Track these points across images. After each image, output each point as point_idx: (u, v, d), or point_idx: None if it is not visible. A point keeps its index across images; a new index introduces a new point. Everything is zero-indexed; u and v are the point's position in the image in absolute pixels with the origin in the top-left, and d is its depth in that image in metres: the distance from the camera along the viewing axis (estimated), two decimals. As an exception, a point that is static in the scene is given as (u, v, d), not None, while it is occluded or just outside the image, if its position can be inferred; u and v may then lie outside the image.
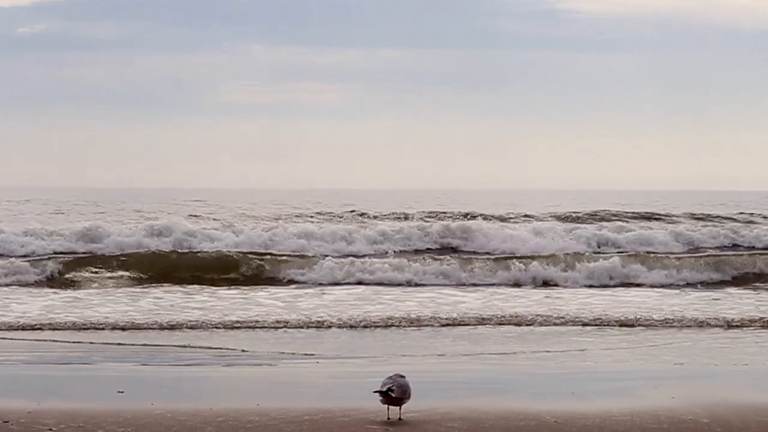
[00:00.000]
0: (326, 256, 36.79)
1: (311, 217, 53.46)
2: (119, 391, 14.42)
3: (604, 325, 23.70)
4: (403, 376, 12.45)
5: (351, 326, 23.13)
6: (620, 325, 23.65)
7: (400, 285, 33.01)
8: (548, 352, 19.50)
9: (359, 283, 33.38)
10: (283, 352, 19.16)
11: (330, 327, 23.13)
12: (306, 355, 18.84)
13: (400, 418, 12.46)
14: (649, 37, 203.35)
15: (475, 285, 33.30)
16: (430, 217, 52.34)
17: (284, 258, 36.58)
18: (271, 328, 22.92)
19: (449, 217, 51.08)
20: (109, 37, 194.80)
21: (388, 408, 12.45)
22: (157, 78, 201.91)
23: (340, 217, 53.54)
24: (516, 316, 24.76)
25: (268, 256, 36.92)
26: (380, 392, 12.29)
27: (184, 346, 19.90)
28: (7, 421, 12.22)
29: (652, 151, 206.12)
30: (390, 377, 12.42)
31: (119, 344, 20.24)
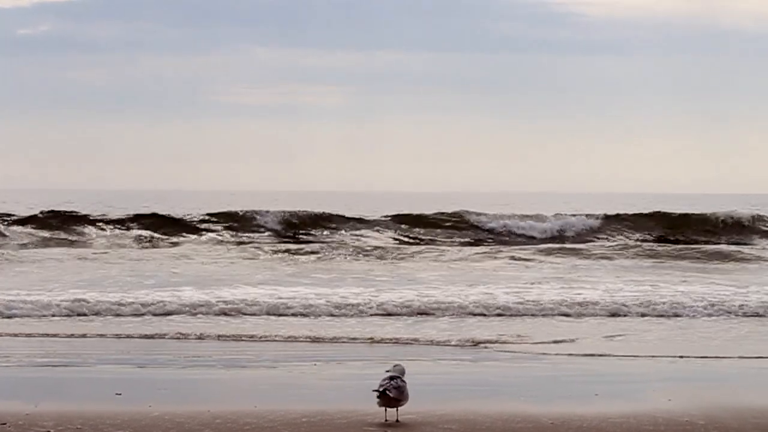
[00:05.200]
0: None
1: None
2: (117, 393, 14.42)
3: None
4: (400, 377, 12.43)
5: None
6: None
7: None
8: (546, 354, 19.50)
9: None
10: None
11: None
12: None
13: (397, 420, 12.47)
14: (654, 39, 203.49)
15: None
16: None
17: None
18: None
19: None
20: (110, 39, 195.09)
21: (385, 410, 12.46)
22: (159, 80, 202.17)
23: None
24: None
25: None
26: (377, 392, 12.28)
27: None
28: (4, 423, 12.23)
29: (656, 154, 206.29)
30: (388, 377, 12.40)
31: None
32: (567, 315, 25.32)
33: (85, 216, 52.33)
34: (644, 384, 15.90)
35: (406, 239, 50.34)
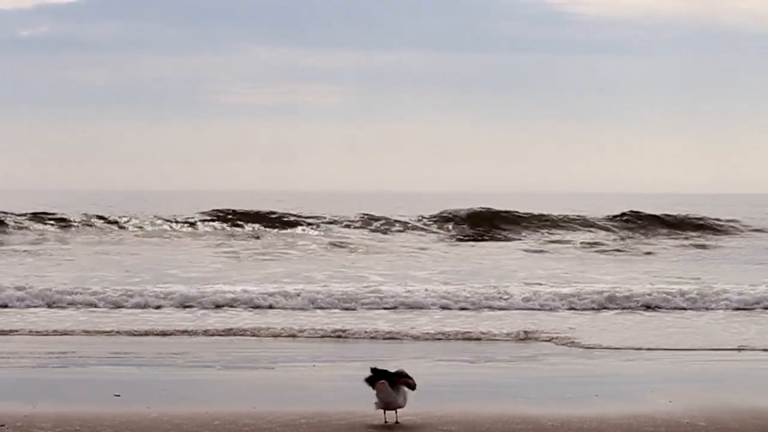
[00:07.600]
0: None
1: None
2: (116, 395, 14.39)
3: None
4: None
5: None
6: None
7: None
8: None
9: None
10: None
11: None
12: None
13: (396, 422, 12.45)
14: (654, 39, 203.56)
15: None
16: None
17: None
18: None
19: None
20: (110, 38, 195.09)
21: (384, 412, 12.44)
22: (159, 79, 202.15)
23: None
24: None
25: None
26: (384, 377, 12.22)
27: None
28: (3, 425, 12.20)
29: (656, 154, 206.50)
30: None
31: None
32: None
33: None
34: (644, 385, 15.87)
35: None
